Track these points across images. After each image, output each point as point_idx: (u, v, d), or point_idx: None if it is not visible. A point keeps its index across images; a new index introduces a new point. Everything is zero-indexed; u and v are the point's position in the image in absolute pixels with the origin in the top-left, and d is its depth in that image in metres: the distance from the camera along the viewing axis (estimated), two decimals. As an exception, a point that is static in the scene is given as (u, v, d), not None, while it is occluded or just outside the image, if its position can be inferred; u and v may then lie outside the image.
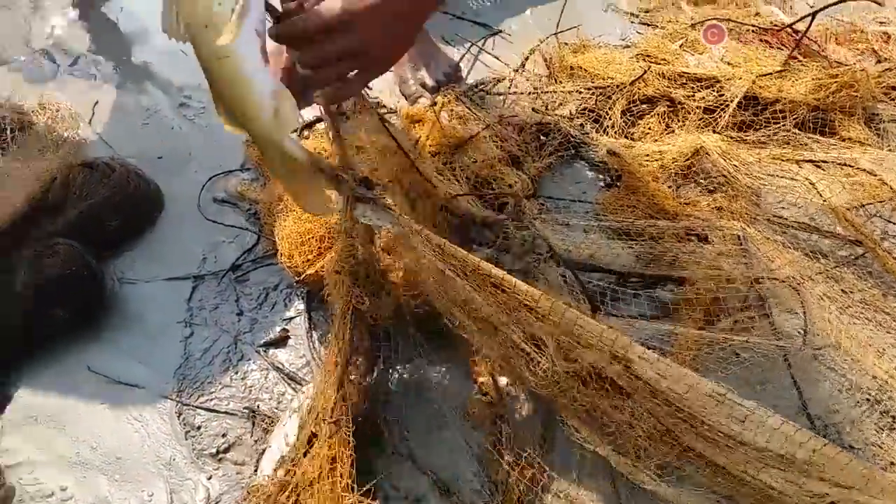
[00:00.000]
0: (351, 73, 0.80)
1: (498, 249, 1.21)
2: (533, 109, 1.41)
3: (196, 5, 0.70)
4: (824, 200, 1.15)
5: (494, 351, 1.00)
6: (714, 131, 1.31)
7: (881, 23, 1.65)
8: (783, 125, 1.29)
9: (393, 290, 1.05)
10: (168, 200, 1.37)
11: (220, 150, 1.45)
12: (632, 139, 1.41)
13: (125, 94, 1.58)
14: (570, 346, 0.96)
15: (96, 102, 1.55)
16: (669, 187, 1.31)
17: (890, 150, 1.36)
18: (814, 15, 1.38)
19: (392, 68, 1.61)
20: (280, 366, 1.14)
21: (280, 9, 0.80)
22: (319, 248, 1.16)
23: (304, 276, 1.14)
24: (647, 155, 1.31)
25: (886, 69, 1.45)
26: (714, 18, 1.54)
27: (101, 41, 1.72)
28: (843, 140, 1.36)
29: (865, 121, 1.40)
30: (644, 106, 1.46)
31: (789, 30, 1.49)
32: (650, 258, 1.19)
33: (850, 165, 1.17)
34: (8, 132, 1.42)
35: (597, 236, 1.27)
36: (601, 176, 1.39)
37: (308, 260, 1.15)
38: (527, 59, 1.58)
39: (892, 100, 1.44)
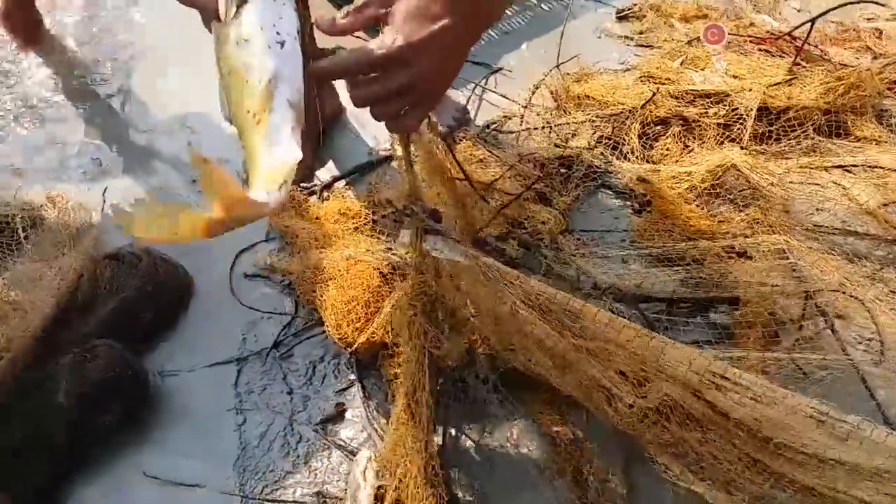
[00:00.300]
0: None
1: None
2: (555, 145, 1.41)
3: (228, 81, 0.69)
4: (861, 204, 1.15)
5: (573, 389, 0.98)
6: (741, 147, 1.32)
7: (868, 19, 1.69)
8: (806, 133, 1.31)
9: (462, 329, 1.02)
10: (197, 282, 1.33)
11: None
12: (652, 162, 1.42)
13: (134, 177, 1.54)
14: (651, 377, 0.95)
15: (105, 189, 1.51)
16: (699, 206, 1.31)
17: (905, 144, 1.38)
18: (813, 21, 1.41)
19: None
20: (342, 443, 1.10)
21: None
22: (366, 314, 1.13)
23: (356, 345, 1.11)
24: (675, 177, 1.31)
25: (886, 64, 1.48)
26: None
27: (99, 125, 1.69)
28: (859, 140, 1.38)
29: (875, 118, 1.42)
30: (658, 127, 1.47)
31: (788, 37, 1.51)
32: (697, 282, 1.18)
33: (880, 167, 1.18)
34: (20, 231, 1.37)
35: (637, 265, 1.27)
36: (628, 203, 1.39)
37: (357, 328, 1.12)
38: (533, 93, 1.58)
39: (897, 94, 1.47)
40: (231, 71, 0.69)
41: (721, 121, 1.37)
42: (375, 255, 1.20)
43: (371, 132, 1.60)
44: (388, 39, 0.69)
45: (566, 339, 0.94)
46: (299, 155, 0.68)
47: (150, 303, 1.23)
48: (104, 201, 1.49)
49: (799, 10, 1.76)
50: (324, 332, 1.23)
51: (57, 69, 1.83)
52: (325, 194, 1.45)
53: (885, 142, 1.35)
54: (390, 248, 1.21)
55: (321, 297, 1.18)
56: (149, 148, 1.61)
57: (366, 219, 1.36)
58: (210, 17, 0.71)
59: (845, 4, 1.40)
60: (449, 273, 0.92)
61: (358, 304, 1.13)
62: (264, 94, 0.67)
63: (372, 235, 1.32)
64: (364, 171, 1.51)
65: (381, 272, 1.17)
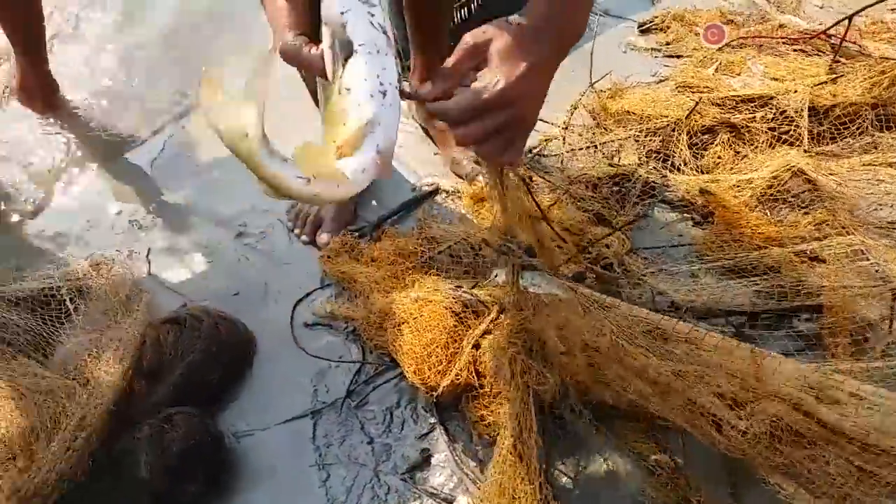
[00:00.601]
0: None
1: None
2: (609, 164, 1.39)
3: (327, 130, 0.69)
4: (935, 197, 1.13)
5: (676, 416, 0.95)
6: (805, 150, 1.30)
7: (893, 10, 1.69)
8: (861, 129, 1.29)
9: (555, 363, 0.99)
10: (258, 336, 1.30)
11: (294, 273, 1.40)
12: (705, 172, 1.40)
13: (176, 236, 1.52)
14: (759, 397, 0.93)
15: (149, 250, 1.49)
16: (763, 213, 1.29)
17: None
18: (850, 18, 1.41)
19: (438, 151, 1.60)
20: (434, 490, 1.06)
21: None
22: (447, 356, 1.10)
23: (441, 388, 1.07)
24: (736, 185, 1.29)
25: (924, 53, 1.47)
26: (750, 37, 1.56)
27: (131, 188, 1.66)
28: (911, 130, 1.36)
29: (924, 107, 1.40)
30: (705, 136, 1.45)
31: (823, 35, 1.51)
32: (777, 292, 1.15)
33: (947, 157, 1.17)
34: (68, 302, 1.34)
35: (709, 279, 1.24)
36: (686, 215, 1.37)
37: (439, 371, 1.09)
38: (571, 114, 1.57)
39: (940, 82, 1.45)
40: (332, 118, 0.69)
41: (773, 125, 1.35)
42: (445, 295, 1.17)
43: (411, 168, 1.58)
44: (490, 82, 0.71)
45: (669, 365, 0.92)
46: (352, 181, 0.66)
47: (216, 364, 1.20)
48: (148, 263, 1.47)
49: (821, 7, 1.76)
50: (396, 376, 1.20)
51: (79, 133, 1.82)
52: (375, 234, 1.42)
53: (938, 131, 1.34)
54: (459, 286, 1.19)
55: (394, 342, 1.15)
56: (185, 206, 1.58)
57: (422, 256, 1.33)
58: (316, 75, 0.70)
59: (881, 0, 1.39)
60: (546, 308, 0.89)
61: (437, 345, 1.09)
62: (357, 134, 0.67)
63: (429, 273, 1.30)
64: (411, 207, 1.49)
65: (453, 311, 1.14)
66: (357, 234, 1.43)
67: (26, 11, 1.69)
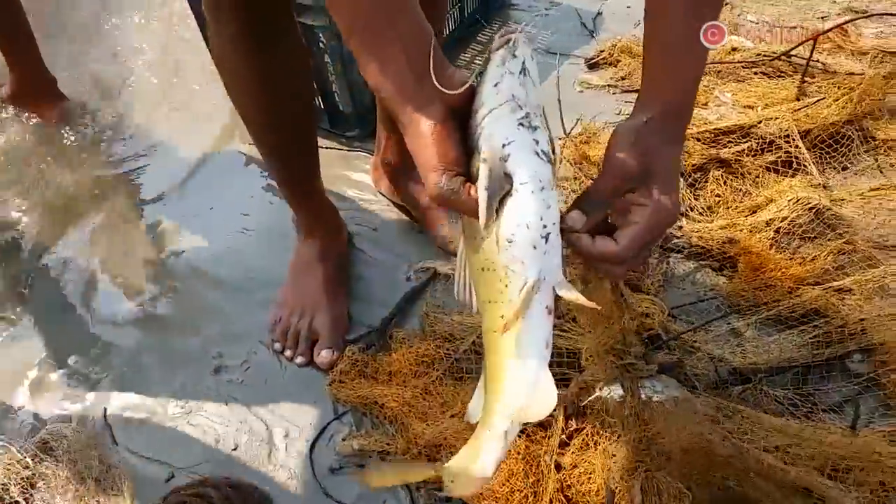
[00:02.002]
0: None
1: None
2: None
3: (479, 277, 0.62)
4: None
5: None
6: (822, 185, 1.29)
7: (822, 17, 1.75)
8: (850, 150, 1.30)
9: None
10: (276, 497, 1.08)
11: (299, 407, 1.19)
12: (707, 212, 1.36)
13: (136, 386, 1.25)
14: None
15: (105, 411, 1.22)
16: (781, 250, 1.26)
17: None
18: (815, 39, 1.42)
19: (423, 230, 1.44)
20: None
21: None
22: (529, 486, 0.96)
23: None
24: (755, 227, 1.25)
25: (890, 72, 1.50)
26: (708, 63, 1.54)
27: (64, 332, 1.37)
28: (886, 142, 1.40)
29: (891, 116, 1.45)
30: (697, 175, 1.41)
31: (784, 57, 1.52)
32: (833, 339, 1.12)
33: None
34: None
35: (751, 332, 1.19)
36: (702, 262, 1.31)
37: (527, 509, 0.94)
38: (558, 169, 1.48)
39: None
40: (486, 269, 0.60)
41: (775, 157, 1.33)
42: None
43: (396, 252, 1.40)
44: (665, 208, 0.63)
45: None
46: (554, 398, 0.61)
47: (242, 549, 0.98)
48: (109, 428, 1.20)
49: (756, 22, 1.79)
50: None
51: None
52: (383, 342, 1.25)
53: (913, 141, 1.38)
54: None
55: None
56: (138, 344, 1.32)
57: (445, 358, 1.18)
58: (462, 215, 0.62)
59: (847, 22, 1.42)
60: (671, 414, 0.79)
61: (517, 478, 0.95)
62: (524, 300, 0.59)
63: (464, 379, 1.15)
64: (414, 299, 1.32)
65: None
66: (362, 344, 1.24)
67: None
